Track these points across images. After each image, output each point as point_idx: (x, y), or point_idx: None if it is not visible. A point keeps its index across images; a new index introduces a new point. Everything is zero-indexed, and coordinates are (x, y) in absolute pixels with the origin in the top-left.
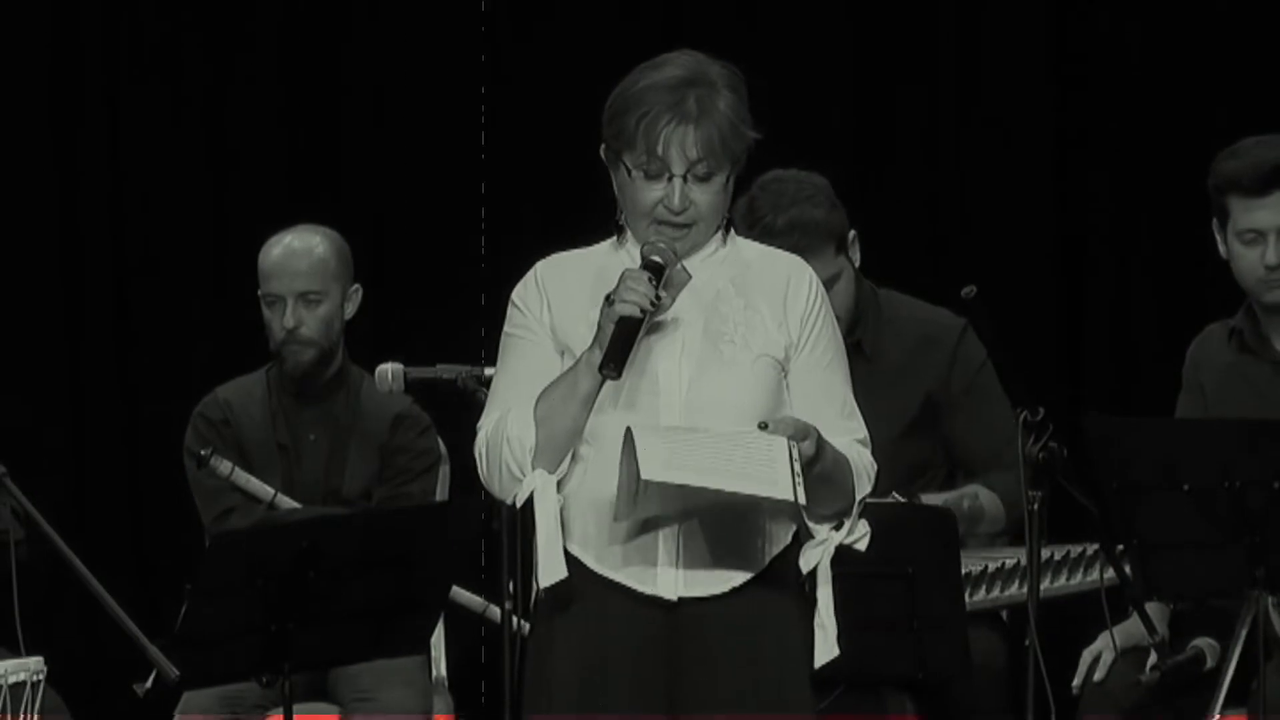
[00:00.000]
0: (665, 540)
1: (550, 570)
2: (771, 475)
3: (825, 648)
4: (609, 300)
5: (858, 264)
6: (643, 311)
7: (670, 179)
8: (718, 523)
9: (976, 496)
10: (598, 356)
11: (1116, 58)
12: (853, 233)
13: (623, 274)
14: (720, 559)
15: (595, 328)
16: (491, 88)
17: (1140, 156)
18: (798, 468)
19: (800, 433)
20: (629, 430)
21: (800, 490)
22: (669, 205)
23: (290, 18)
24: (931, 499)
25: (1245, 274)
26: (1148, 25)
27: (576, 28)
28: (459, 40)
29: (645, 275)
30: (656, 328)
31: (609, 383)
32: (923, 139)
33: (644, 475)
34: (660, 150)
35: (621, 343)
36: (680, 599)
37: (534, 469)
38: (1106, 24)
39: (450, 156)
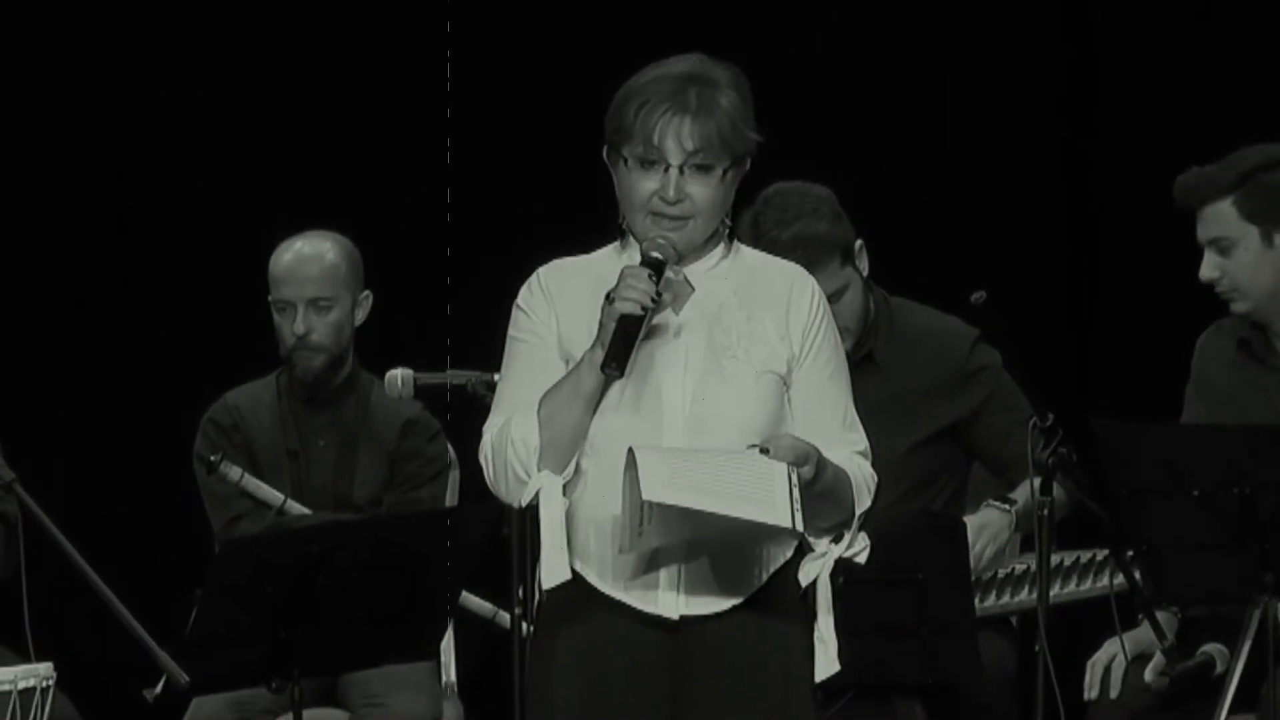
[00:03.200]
0: (667, 560)
1: (553, 572)
2: (770, 500)
3: (826, 662)
4: (609, 299)
5: (866, 273)
6: (643, 309)
7: (666, 169)
8: (721, 541)
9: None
10: (600, 355)
11: (1123, 60)
12: (859, 242)
13: (622, 271)
14: (721, 577)
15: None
16: (501, 90)
17: (1147, 159)
18: (796, 494)
19: (800, 457)
20: (630, 451)
21: (799, 517)
22: (664, 195)
23: (298, 25)
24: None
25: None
26: (1156, 26)
27: (583, 34)
28: (466, 45)
29: (645, 272)
30: (660, 340)
31: (611, 396)
32: (930, 144)
33: (645, 495)
34: (656, 139)
35: (623, 340)
36: (682, 618)
37: (539, 470)
38: (1114, 26)
39: (459, 162)
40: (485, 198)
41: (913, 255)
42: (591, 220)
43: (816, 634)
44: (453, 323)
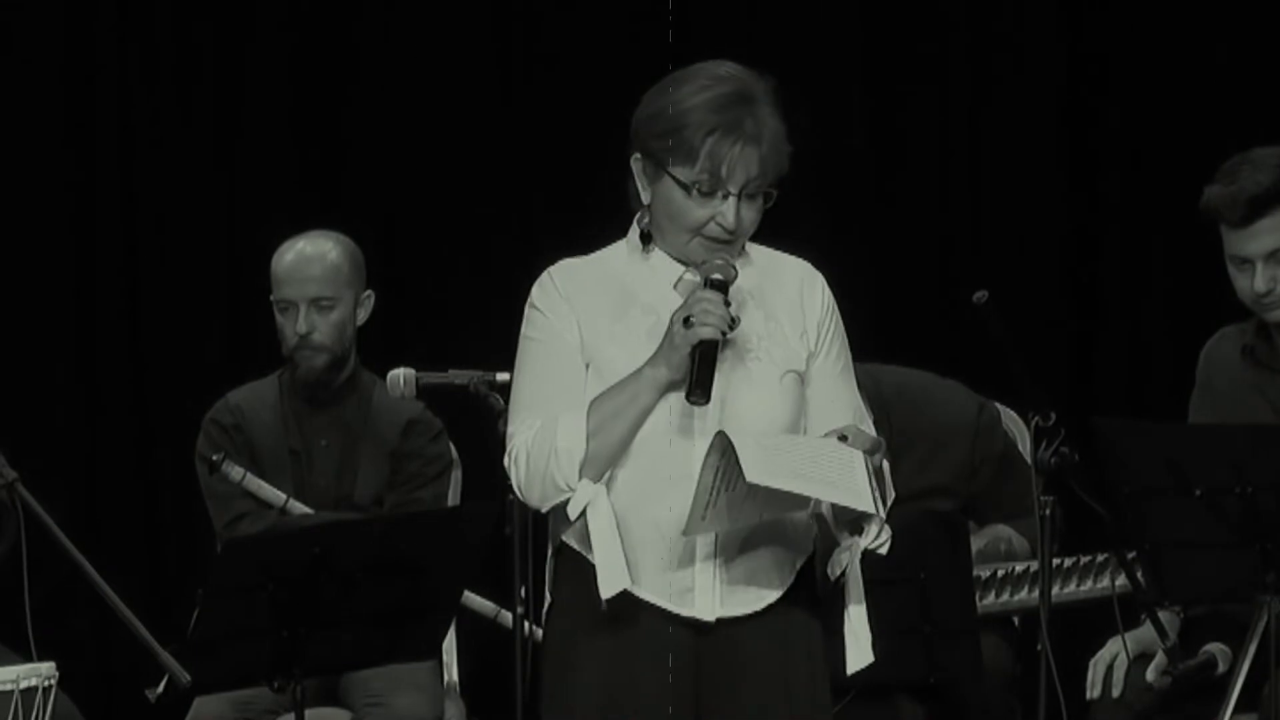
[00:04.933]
0: (702, 560)
1: (612, 581)
2: (854, 486)
3: (860, 654)
4: (686, 323)
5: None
6: (723, 334)
7: (725, 197)
8: (751, 539)
9: (1010, 541)
10: (664, 373)
11: (1129, 57)
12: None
13: (694, 295)
14: (755, 576)
15: (622, 342)
16: (505, 90)
17: (1153, 157)
18: (874, 481)
19: (874, 446)
20: (723, 435)
21: (880, 504)
22: (723, 224)
23: (302, 22)
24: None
25: (1242, 295)
26: (1161, 24)
27: (589, 30)
28: (471, 43)
29: (720, 296)
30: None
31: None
32: (934, 142)
33: (749, 478)
34: (724, 170)
35: (706, 367)
36: (718, 620)
37: (580, 479)
38: (1120, 24)
39: (462, 161)
40: (487, 197)
41: (915, 254)
42: (594, 219)
43: (848, 626)
44: (455, 322)
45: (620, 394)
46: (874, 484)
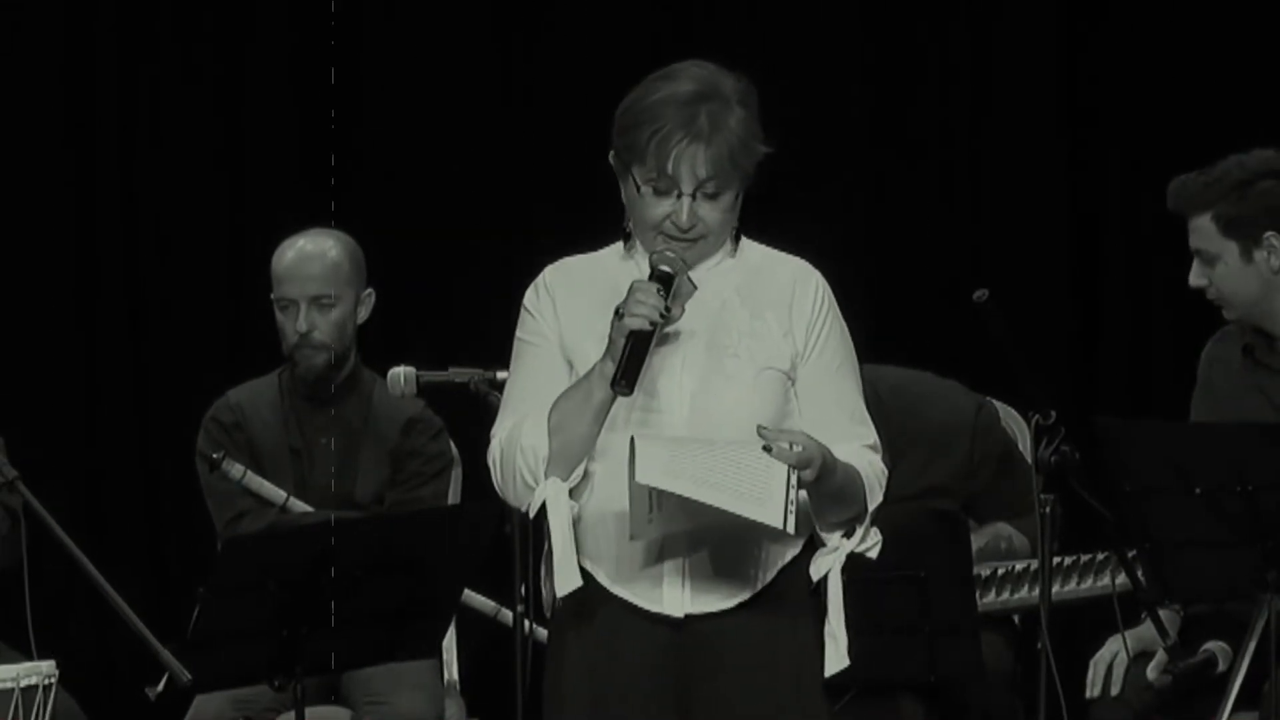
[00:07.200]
0: (672, 557)
1: (566, 579)
2: (764, 498)
3: (836, 657)
4: (618, 314)
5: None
6: (652, 324)
7: (679, 196)
8: (726, 537)
9: (1010, 539)
10: (610, 369)
11: (1130, 54)
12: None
13: (631, 286)
14: (728, 573)
15: (603, 340)
16: (505, 89)
17: (1156, 156)
18: (792, 494)
19: (803, 462)
20: (632, 439)
21: (791, 520)
22: (676, 222)
23: (304, 20)
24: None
25: None
26: (1161, 21)
27: (589, 29)
28: (472, 42)
29: (654, 287)
30: (662, 340)
31: (617, 398)
32: (936, 139)
33: (638, 478)
34: (670, 168)
35: (633, 358)
36: (687, 616)
37: (547, 478)
38: (1119, 21)
39: (463, 160)
40: (487, 196)
41: (918, 251)
42: (593, 218)
43: (827, 629)
44: (455, 320)
45: (577, 391)
46: (791, 498)
